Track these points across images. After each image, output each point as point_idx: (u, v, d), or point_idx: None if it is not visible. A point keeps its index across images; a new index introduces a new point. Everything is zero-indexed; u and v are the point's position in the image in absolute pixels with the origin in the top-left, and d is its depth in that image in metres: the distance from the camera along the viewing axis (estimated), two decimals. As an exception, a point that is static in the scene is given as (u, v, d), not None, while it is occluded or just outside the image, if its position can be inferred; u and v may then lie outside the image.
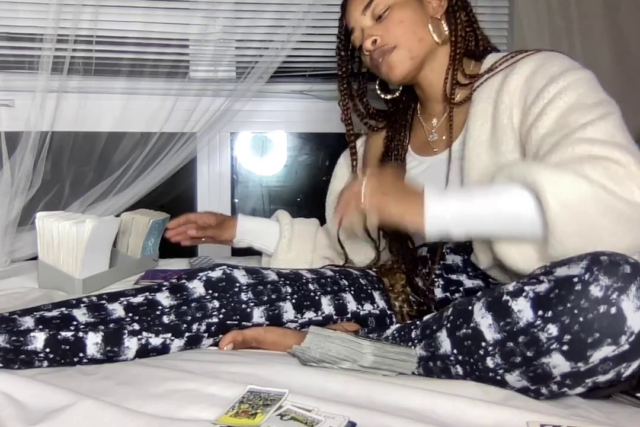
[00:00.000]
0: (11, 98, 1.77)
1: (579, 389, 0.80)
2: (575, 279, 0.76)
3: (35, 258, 1.50)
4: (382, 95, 1.29)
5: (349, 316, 1.15)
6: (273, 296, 1.09)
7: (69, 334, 0.93)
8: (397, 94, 1.28)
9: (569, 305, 0.75)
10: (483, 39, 1.21)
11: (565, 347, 0.76)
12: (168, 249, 1.81)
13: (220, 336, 1.04)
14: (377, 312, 1.17)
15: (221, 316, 1.04)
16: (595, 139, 0.92)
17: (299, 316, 1.10)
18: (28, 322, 0.93)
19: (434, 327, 0.89)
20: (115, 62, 1.79)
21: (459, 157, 1.12)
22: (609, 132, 0.93)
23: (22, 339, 0.91)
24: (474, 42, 1.19)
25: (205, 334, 1.03)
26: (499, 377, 0.82)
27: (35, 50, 1.70)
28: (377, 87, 1.28)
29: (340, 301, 1.15)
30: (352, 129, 1.32)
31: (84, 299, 1.00)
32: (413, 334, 0.92)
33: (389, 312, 1.18)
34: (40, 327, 0.93)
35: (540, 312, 0.77)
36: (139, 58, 1.79)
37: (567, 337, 0.75)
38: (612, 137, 0.93)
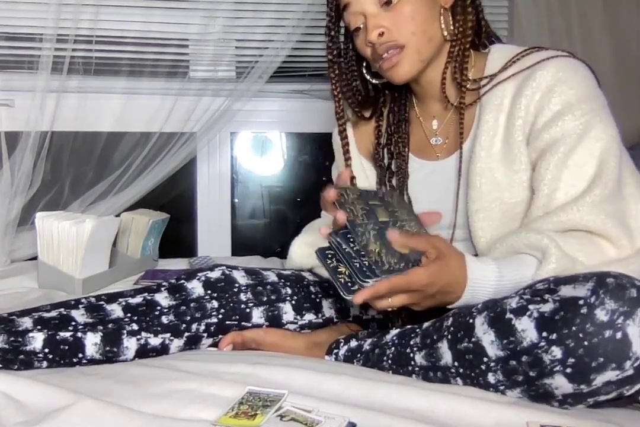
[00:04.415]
0: (11, 98, 1.77)
1: (580, 407, 0.79)
2: (581, 302, 0.75)
3: (35, 258, 1.50)
4: (374, 81, 1.15)
5: (350, 319, 1.14)
6: (272, 297, 1.08)
7: (67, 334, 0.93)
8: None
9: (574, 328, 0.74)
10: (487, 30, 1.13)
11: (568, 370, 0.75)
12: (168, 249, 1.82)
13: (220, 336, 1.04)
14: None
15: (220, 316, 1.04)
16: (592, 209, 0.94)
17: (298, 317, 1.10)
18: (26, 322, 0.93)
19: (434, 337, 0.87)
20: (114, 62, 1.79)
21: (467, 166, 1.07)
22: (608, 200, 0.95)
23: (20, 339, 0.91)
24: (477, 35, 1.11)
25: (205, 334, 1.03)
26: (499, 393, 0.81)
27: (35, 50, 1.70)
28: (364, 71, 1.15)
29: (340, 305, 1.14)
30: (345, 124, 1.18)
31: (82, 300, 1.00)
32: (412, 342, 0.90)
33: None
34: (39, 327, 0.92)
35: (544, 334, 0.76)
36: (138, 58, 1.80)
37: (571, 360, 0.74)
38: (606, 203, 0.95)
